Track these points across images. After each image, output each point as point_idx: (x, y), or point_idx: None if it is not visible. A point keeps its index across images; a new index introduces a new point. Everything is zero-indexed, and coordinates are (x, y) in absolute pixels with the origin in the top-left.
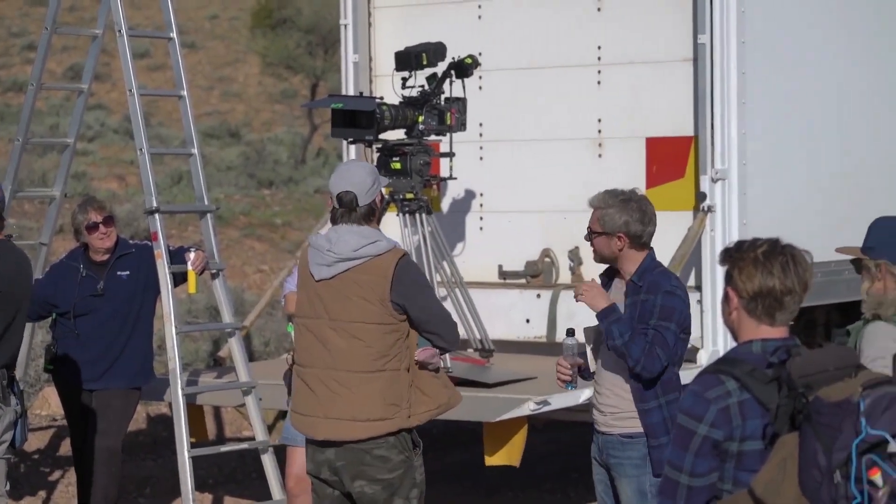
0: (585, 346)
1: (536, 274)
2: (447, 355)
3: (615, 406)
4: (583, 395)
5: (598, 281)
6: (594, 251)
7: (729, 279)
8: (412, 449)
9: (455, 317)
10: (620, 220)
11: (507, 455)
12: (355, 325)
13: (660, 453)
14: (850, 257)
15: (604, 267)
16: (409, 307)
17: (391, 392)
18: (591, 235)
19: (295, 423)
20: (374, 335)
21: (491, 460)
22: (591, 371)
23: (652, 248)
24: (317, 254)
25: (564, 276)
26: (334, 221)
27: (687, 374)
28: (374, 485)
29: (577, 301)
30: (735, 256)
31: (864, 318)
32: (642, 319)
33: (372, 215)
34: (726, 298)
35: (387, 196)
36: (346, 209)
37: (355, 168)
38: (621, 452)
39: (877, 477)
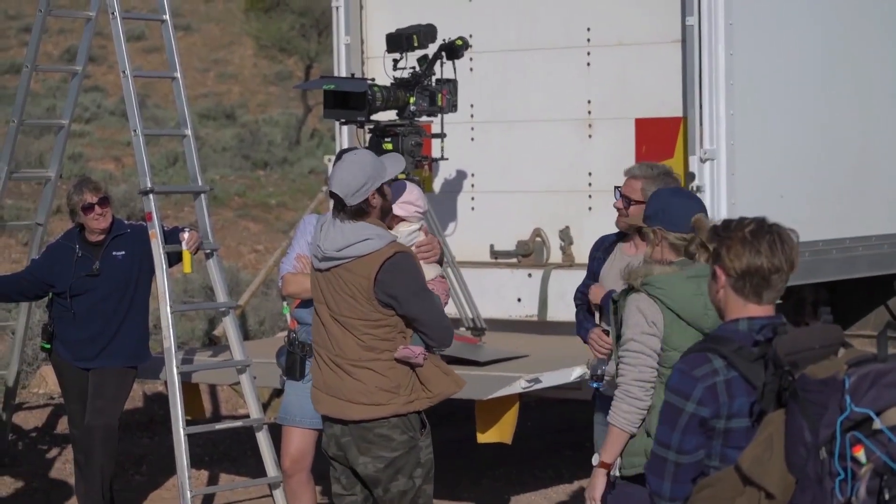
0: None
1: (527, 253)
2: None
3: None
4: (574, 373)
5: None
6: (624, 220)
7: (717, 258)
8: (418, 429)
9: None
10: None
11: (499, 432)
12: (345, 319)
13: None
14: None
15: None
16: (395, 305)
17: (385, 380)
18: (628, 203)
19: (312, 397)
20: (362, 329)
21: (483, 437)
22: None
23: None
24: (314, 246)
25: (555, 256)
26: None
27: None
28: (378, 462)
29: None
30: (723, 235)
31: (623, 287)
32: None
33: (363, 214)
34: (714, 277)
35: None
36: (339, 206)
37: (347, 167)
38: None
39: (860, 454)
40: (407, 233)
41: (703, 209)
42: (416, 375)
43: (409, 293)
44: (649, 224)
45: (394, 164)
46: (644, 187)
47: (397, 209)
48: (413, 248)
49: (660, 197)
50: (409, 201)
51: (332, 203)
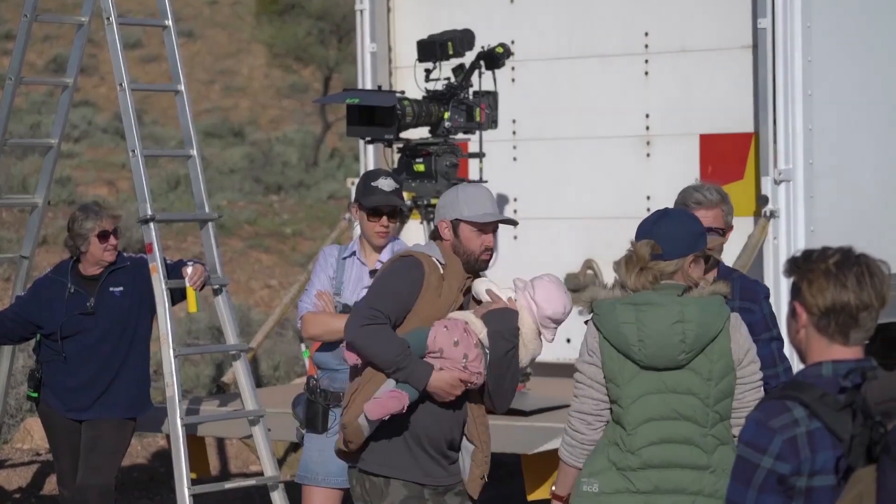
0: None
1: (578, 288)
2: None
3: None
4: None
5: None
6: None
7: (797, 293)
8: (362, 483)
9: None
10: (732, 215)
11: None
12: None
13: None
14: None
15: None
16: None
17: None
18: (719, 234)
19: None
20: None
21: (533, 495)
22: None
23: None
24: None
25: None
26: None
27: None
28: None
29: None
30: (804, 268)
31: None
32: (753, 331)
33: (437, 239)
34: (793, 314)
35: (409, 201)
36: None
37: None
38: None
39: None
40: (494, 286)
41: (653, 234)
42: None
43: (376, 279)
44: None
45: (480, 208)
46: (726, 213)
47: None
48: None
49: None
50: (535, 288)
51: None
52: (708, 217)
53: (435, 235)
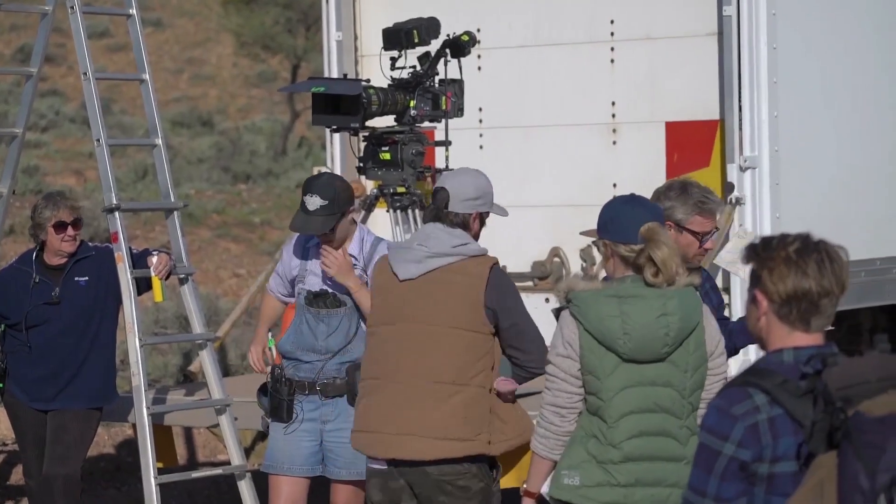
0: None
1: (544, 276)
2: None
3: None
4: None
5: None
6: (709, 252)
7: (757, 281)
8: (490, 476)
9: None
10: None
11: (518, 476)
12: (441, 330)
13: None
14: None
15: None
16: (501, 314)
17: (472, 411)
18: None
19: (359, 443)
20: (459, 343)
21: (502, 483)
22: None
23: None
24: (402, 251)
25: None
26: (425, 219)
27: None
28: None
29: None
30: (763, 255)
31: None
32: (720, 309)
33: (465, 228)
34: (754, 302)
35: (375, 190)
36: (437, 208)
37: (471, 173)
38: None
39: None
40: None
41: (656, 218)
42: (496, 415)
43: (517, 301)
44: (600, 236)
45: (499, 208)
46: None
47: None
48: None
49: (611, 206)
50: None
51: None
52: (714, 221)
53: (464, 224)
